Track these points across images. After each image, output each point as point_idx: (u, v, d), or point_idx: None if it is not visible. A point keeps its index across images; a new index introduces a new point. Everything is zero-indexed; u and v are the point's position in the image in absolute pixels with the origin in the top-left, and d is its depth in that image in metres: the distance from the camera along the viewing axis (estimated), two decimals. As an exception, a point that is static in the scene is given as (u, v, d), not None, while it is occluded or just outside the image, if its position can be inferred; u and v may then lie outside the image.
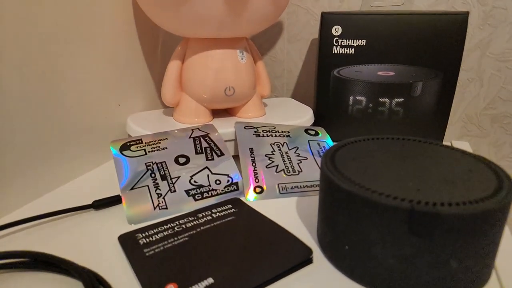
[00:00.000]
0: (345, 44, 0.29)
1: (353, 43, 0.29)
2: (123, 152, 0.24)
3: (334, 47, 0.29)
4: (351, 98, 0.30)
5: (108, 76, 0.29)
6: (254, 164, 0.25)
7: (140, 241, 0.18)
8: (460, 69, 0.29)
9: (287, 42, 0.41)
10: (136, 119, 0.30)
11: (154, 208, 0.22)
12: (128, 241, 0.18)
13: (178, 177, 0.23)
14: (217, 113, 0.32)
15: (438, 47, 0.28)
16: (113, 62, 0.30)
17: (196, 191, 0.23)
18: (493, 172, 0.16)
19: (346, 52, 0.29)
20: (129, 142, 0.25)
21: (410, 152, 0.19)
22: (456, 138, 0.38)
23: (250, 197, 0.23)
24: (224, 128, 0.28)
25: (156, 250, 0.17)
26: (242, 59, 0.29)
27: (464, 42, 0.27)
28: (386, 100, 0.30)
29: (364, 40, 0.28)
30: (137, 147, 0.25)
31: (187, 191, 0.23)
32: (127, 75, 0.31)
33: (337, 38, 0.29)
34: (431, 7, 0.35)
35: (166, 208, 0.22)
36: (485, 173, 0.16)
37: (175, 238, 0.18)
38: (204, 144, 0.26)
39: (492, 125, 0.36)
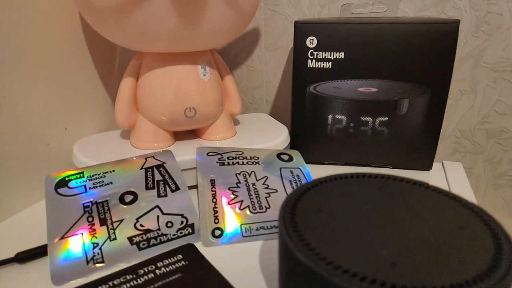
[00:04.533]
0: (321, 57, 0.25)
1: (330, 56, 0.25)
2: (58, 190, 0.21)
3: (309, 60, 0.26)
4: (329, 116, 0.27)
5: (52, 95, 0.25)
6: (214, 200, 0.22)
7: (57, 314, 0.15)
8: (450, 83, 0.25)
9: (265, 50, 0.37)
10: (83, 146, 0.26)
11: (87, 263, 0.18)
12: (42, 315, 0.15)
13: (121, 220, 0.20)
14: (180, 134, 0.29)
15: (425, 60, 0.24)
16: (59, 78, 0.26)
17: (142, 237, 0.19)
18: (489, 230, 0.13)
19: (323, 66, 0.26)
20: (67, 176, 0.22)
21: (388, 198, 0.15)
22: (448, 154, 0.35)
23: (206, 243, 0.20)
24: (185, 155, 0.25)
25: (72, 331, 0.14)
26: (204, 75, 0.25)
27: (454, 54, 0.24)
28: (369, 119, 0.26)
29: (343, 53, 0.25)
30: (77, 183, 0.21)
31: (130, 239, 0.19)
32: (77, 93, 0.28)
33: (312, 50, 0.25)
34: (419, 12, 0.31)
35: (103, 262, 0.18)
36: (480, 232, 0.13)
37: (101, 310, 0.15)
38: (158, 177, 0.23)
39: (487, 141, 0.33)
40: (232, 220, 0.21)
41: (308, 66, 0.26)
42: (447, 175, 0.27)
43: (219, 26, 0.23)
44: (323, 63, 0.26)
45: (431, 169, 0.28)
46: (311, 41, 0.25)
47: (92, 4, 0.20)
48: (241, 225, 0.20)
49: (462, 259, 0.11)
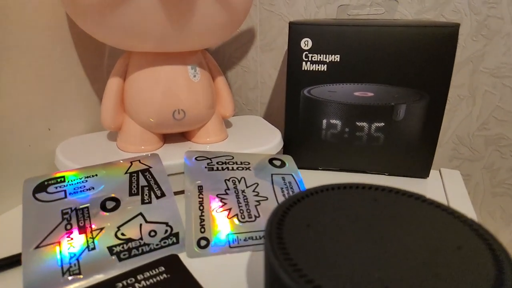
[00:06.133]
0: (316, 59, 0.24)
1: (326, 58, 0.24)
2: (36, 195, 0.20)
3: (304, 62, 0.25)
4: (324, 121, 0.26)
5: (35, 93, 0.24)
6: (201, 208, 0.21)
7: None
8: (449, 88, 0.25)
9: (260, 51, 0.37)
10: (67, 148, 0.25)
11: (63, 274, 0.17)
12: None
13: (102, 229, 0.19)
14: (170, 137, 0.28)
15: (424, 65, 0.23)
16: (43, 76, 0.25)
17: (123, 247, 0.18)
18: (490, 251, 0.12)
19: (318, 68, 0.25)
20: (47, 180, 0.21)
21: (383, 212, 0.14)
22: (446, 160, 0.34)
23: (191, 254, 0.19)
24: (173, 159, 0.24)
25: None
26: (194, 76, 0.24)
27: (454, 59, 0.23)
28: (365, 124, 0.25)
29: (338, 56, 0.24)
30: (56, 188, 0.20)
31: (110, 248, 0.18)
32: (62, 92, 0.27)
33: (307, 52, 0.24)
34: (418, 15, 0.31)
35: (79, 274, 0.17)
36: (480, 253, 0.12)
37: (73, 329, 0.14)
38: (142, 182, 0.22)
39: (486, 148, 0.33)
40: (219, 229, 0.20)
41: (303, 68, 0.25)
42: (445, 183, 0.27)
43: (210, 26, 0.22)
44: (318, 65, 0.25)
45: (428, 176, 0.27)
46: (306, 43, 0.24)
47: (76, 1, 0.19)
48: (228, 234, 0.19)
49: (460, 284, 0.11)
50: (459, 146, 0.33)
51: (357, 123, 0.25)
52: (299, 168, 0.25)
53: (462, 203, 0.24)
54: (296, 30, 0.24)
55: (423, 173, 0.27)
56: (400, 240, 0.13)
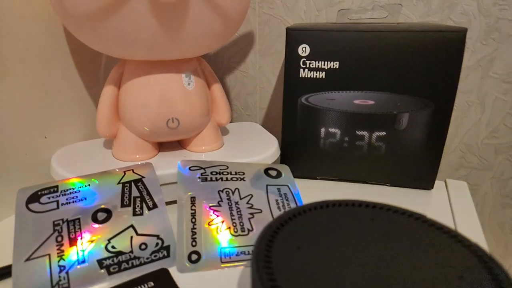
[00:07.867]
0: (314, 66, 0.24)
1: (324, 65, 0.23)
2: (29, 205, 0.20)
3: (302, 69, 0.24)
4: (322, 130, 0.25)
5: (32, 101, 0.24)
6: (193, 220, 0.20)
7: None
8: (456, 95, 0.23)
9: (259, 55, 0.36)
10: (62, 157, 0.25)
11: (52, 287, 0.17)
12: None
13: (92, 241, 0.19)
14: (165, 145, 0.27)
15: (428, 72, 0.22)
16: (40, 83, 0.25)
17: (113, 260, 0.18)
18: (495, 282, 0.11)
19: (316, 76, 0.24)
20: (40, 190, 0.21)
21: (380, 234, 0.13)
22: (453, 169, 0.33)
23: (182, 269, 0.18)
24: (166, 168, 0.23)
25: None
26: (189, 84, 0.24)
27: (460, 66, 0.22)
28: (365, 133, 0.25)
29: (337, 62, 0.23)
30: (49, 198, 0.20)
31: (100, 262, 0.18)
32: (59, 100, 0.27)
33: (305, 59, 0.24)
34: (423, 18, 0.29)
35: (68, 287, 0.17)
36: (483, 283, 0.11)
37: None
38: (135, 193, 0.21)
39: (495, 157, 0.31)
40: (211, 243, 0.19)
41: (300, 75, 0.24)
42: (450, 195, 0.25)
43: (203, 35, 0.21)
44: (316, 72, 0.24)
45: (433, 188, 0.26)
46: (304, 49, 0.23)
47: (66, 10, 0.19)
48: (220, 248, 0.19)
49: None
50: (467, 154, 0.32)
51: (357, 132, 0.25)
52: (296, 177, 0.24)
53: (467, 218, 0.22)
54: (294, 36, 0.23)
55: (427, 185, 0.26)
56: (397, 266, 0.12)
